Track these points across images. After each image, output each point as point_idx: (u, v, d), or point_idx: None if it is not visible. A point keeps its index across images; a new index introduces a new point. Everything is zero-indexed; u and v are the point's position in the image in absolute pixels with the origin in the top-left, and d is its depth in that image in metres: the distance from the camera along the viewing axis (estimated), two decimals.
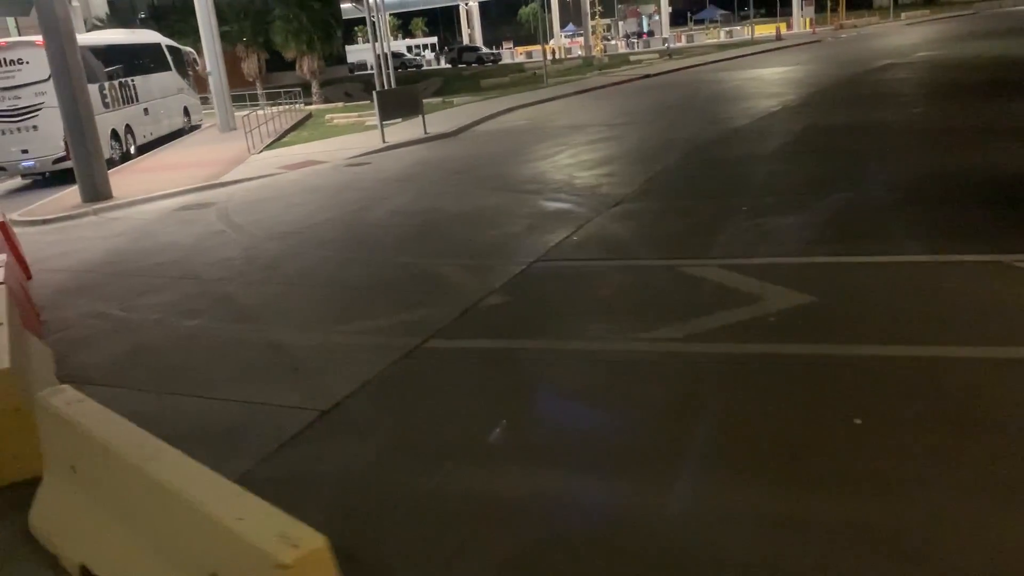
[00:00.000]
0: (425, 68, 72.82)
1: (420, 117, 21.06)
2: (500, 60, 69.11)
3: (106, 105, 20.90)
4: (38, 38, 19.07)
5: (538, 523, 3.99)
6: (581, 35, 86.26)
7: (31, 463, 4.98)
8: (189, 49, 30.21)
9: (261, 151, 20.54)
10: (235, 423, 5.52)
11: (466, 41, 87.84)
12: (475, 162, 16.17)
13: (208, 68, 26.72)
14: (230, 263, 10.04)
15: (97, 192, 15.08)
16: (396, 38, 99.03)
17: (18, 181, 20.93)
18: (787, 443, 4.41)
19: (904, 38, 42.21)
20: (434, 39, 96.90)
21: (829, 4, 75.04)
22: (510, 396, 5.53)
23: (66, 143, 15.44)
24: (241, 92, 38.76)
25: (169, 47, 27.60)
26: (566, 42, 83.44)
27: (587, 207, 10.88)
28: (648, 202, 10.87)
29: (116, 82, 21.97)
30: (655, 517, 3.91)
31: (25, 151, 18.70)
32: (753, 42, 52.69)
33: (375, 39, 26.01)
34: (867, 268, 7.24)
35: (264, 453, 5.01)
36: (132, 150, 22.34)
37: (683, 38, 67.59)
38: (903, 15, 66.45)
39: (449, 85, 43.22)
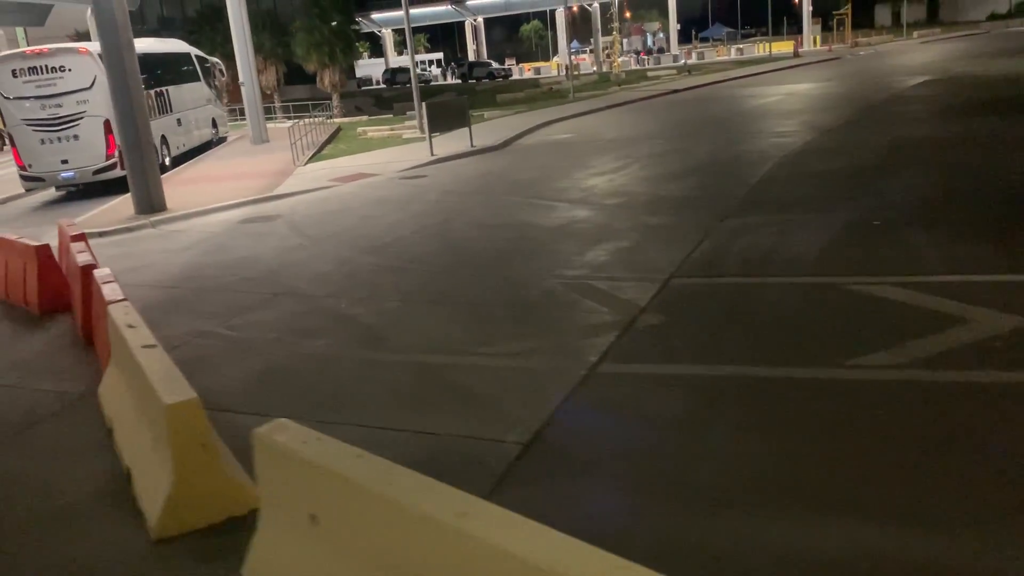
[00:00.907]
0: (434, 83, 72.73)
1: (467, 130, 20.52)
2: (511, 75, 68.81)
3: None
4: (80, 45, 18.62)
5: None
6: (584, 52, 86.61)
7: (218, 507, 4.41)
8: (216, 59, 29.69)
9: (306, 163, 19.98)
10: (423, 457, 4.89)
11: (471, 57, 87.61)
12: (540, 174, 15.62)
13: (241, 78, 26.18)
14: (327, 278, 9.45)
15: (152, 204, 14.47)
16: (400, 53, 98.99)
17: (51, 193, 20.24)
18: None
19: (926, 56, 42.00)
20: (439, 55, 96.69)
21: (835, 23, 75.25)
22: (733, 430, 4.94)
23: (120, 152, 14.82)
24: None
25: (197, 57, 27.07)
26: (571, 59, 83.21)
27: (693, 221, 10.34)
28: (762, 215, 10.31)
29: (152, 91, 21.36)
30: None
31: (65, 161, 18.07)
32: (771, 59, 52.51)
33: (411, 53, 25.74)
34: None
35: (480, 494, 4.39)
36: (167, 162, 21.71)
37: (693, 55, 67.37)
38: (915, 33, 66.46)
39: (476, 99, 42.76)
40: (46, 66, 17.73)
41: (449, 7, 77.83)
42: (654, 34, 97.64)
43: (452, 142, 20.56)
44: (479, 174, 16.68)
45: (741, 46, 69.75)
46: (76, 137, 18.00)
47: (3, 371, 7.40)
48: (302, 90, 53.45)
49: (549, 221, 11.34)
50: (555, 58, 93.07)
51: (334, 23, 36.72)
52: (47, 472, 5.33)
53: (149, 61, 22.26)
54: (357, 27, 40.63)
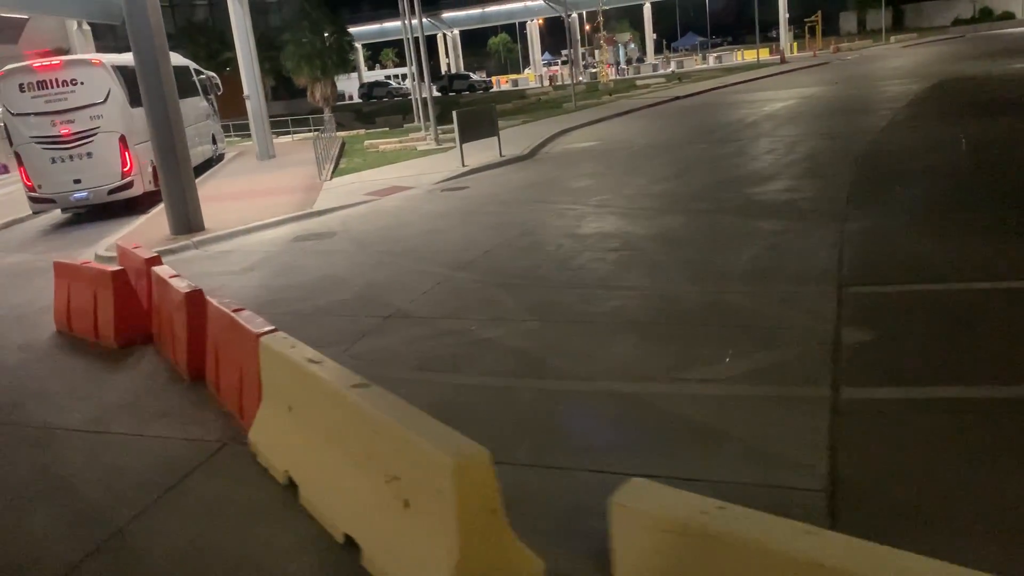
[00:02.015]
0: (412, 96, 71.67)
1: (481, 140, 19.68)
2: (491, 87, 68.21)
3: None
4: (94, 56, 17.54)
5: None
6: (556, 63, 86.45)
7: None
8: (212, 73, 28.57)
9: (331, 178, 19.03)
10: None
11: (444, 70, 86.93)
12: (597, 182, 14.85)
13: (246, 91, 25.13)
14: (432, 298, 8.58)
15: (190, 223, 13.48)
16: (371, 68, 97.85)
17: (55, 216, 18.96)
18: None
19: (916, 59, 42.14)
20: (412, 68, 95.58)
21: (807, 30, 76.17)
22: None
23: (154, 169, 13.79)
24: (245, 121, 36.99)
25: (194, 70, 25.97)
26: (545, 70, 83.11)
27: (811, 225, 9.70)
28: (887, 218, 9.65)
29: None
30: None
31: (78, 181, 16.90)
32: (759, 65, 52.55)
33: (425, 64, 25.06)
34: None
35: None
36: None
37: (673, 63, 67.46)
38: (892, 38, 67.26)
39: (449, 112, 41.82)
40: (56, 80, 16.60)
41: (425, 20, 76.92)
42: (625, 45, 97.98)
43: (479, 152, 19.71)
44: (525, 183, 15.89)
45: (720, 54, 70.00)
46: (89, 155, 16.87)
47: (112, 417, 6.43)
48: (279, 106, 52.13)
49: (646, 229, 10.58)
50: (527, 70, 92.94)
51: (329, 35, 35.66)
52: (236, 540, 4.43)
53: None
54: (350, 38, 39.63)
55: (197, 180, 21.70)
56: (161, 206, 17.61)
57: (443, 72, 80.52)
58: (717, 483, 4.37)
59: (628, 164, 16.73)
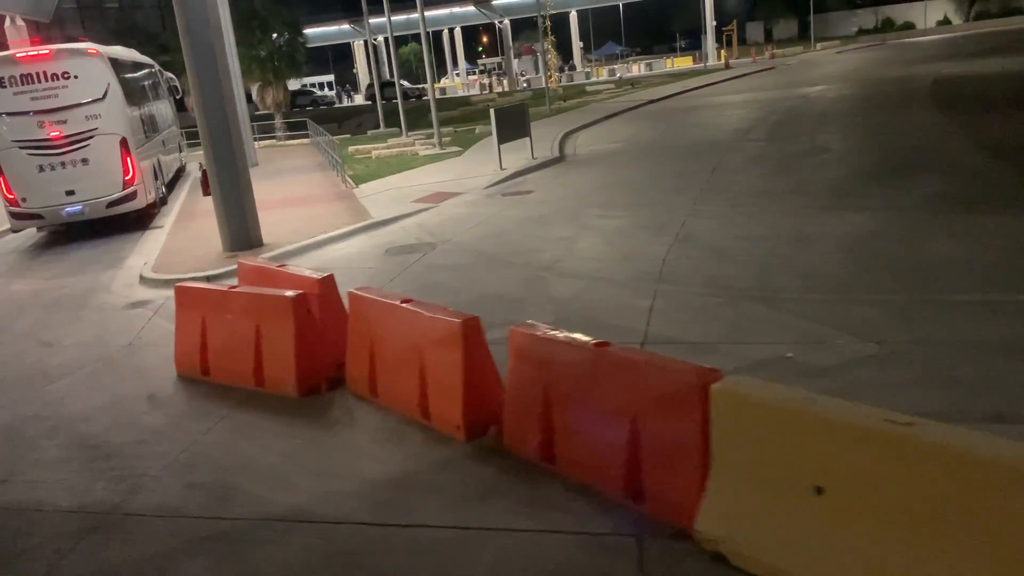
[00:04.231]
0: (338, 106, 69.32)
1: (528, 140, 18.18)
2: (424, 96, 66.28)
3: (145, 134, 16.83)
4: (90, 45, 15.06)
5: None
6: (475, 73, 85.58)
7: None
8: (171, 75, 25.87)
9: (357, 186, 17.03)
10: None
11: (363, 78, 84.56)
12: (687, 182, 13.43)
13: None
14: (672, 316, 7.09)
15: (250, 239, 11.42)
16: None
17: (29, 234, 16.19)
18: None
19: (859, 63, 42.83)
20: (330, 77, 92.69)
21: (724, 39, 77.84)
22: None
23: (204, 175, 11.61)
24: (188, 128, 34.16)
25: (159, 71, 23.36)
26: (468, 79, 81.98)
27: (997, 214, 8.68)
28: None
29: (144, 107, 17.88)
30: None
31: (71, 192, 14.35)
32: (706, 71, 52.61)
33: (429, 66, 23.18)
34: None
35: None
36: (164, 190, 18.17)
37: (605, 72, 67.35)
38: (818, 45, 69.24)
39: (391, 120, 39.59)
40: (45, 72, 14.04)
41: (347, 26, 74.48)
42: (543, 53, 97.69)
43: (504, 155, 18.06)
44: (599, 185, 14.44)
45: (650, 62, 70.46)
46: (84, 161, 14.36)
47: (403, 502, 4.66)
48: None
49: (843, 229, 9.24)
50: (445, 79, 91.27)
51: (279, 36, 33.26)
52: None
53: (139, 72, 18.87)
54: (304, 40, 37.20)
55: (182, 194, 19.40)
56: (173, 220, 15.43)
57: (368, 81, 78.01)
58: None
59: (695, 163, 15.44)
